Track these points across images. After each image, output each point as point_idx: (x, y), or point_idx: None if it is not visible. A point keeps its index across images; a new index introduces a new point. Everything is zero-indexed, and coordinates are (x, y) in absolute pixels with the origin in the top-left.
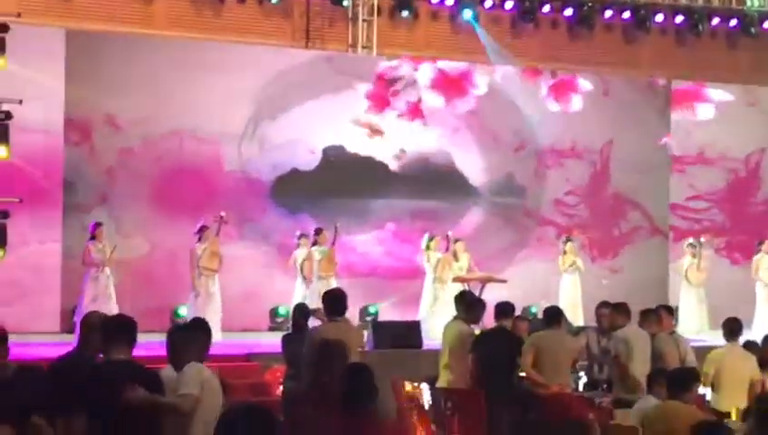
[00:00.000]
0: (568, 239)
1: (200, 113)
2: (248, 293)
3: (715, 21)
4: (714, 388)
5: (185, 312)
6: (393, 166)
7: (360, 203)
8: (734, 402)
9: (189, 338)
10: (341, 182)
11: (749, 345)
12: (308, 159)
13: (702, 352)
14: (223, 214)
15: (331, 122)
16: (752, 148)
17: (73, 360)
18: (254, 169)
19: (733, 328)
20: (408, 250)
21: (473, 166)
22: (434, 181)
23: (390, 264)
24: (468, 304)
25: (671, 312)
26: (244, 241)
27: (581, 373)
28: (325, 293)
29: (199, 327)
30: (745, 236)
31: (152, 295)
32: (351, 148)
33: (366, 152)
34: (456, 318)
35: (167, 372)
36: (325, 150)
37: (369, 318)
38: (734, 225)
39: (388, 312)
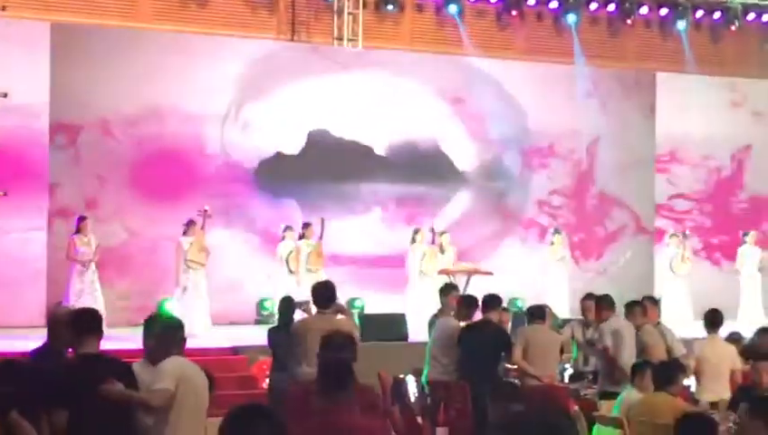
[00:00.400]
0: (556, 231)
1: (182, 95)
2: (234, 284)
3: (699, 13)
4: (696, 379)
5: (171, 306)
6: (379, 150)
7: (345, 188)
8: (716, 393)
9: (164, 332)
10: (327, 166)
11: (733, 337)
12: (292, 143)
13: (686, 343)
14: (207, 207)
15: (316, 105)
16: (737, 145)
17: (45, 354)
18: (236, 151)
19: (713, 320)
20: (395, 236)
21: (460, 151)
22: (420, 166)
23: (376, 250)
24: (462, 304)
25: (656, 303)
26: (228, 229)
27: (567, 365)
28: (314, 284)
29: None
30: (728, 236)
31: (134, 287)
32: (337, 132)
33: (351, 136)
34: (443, 312)
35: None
36: (310, 134)
37: (354, 311)
38: (717, 224)
39: (373, 300)
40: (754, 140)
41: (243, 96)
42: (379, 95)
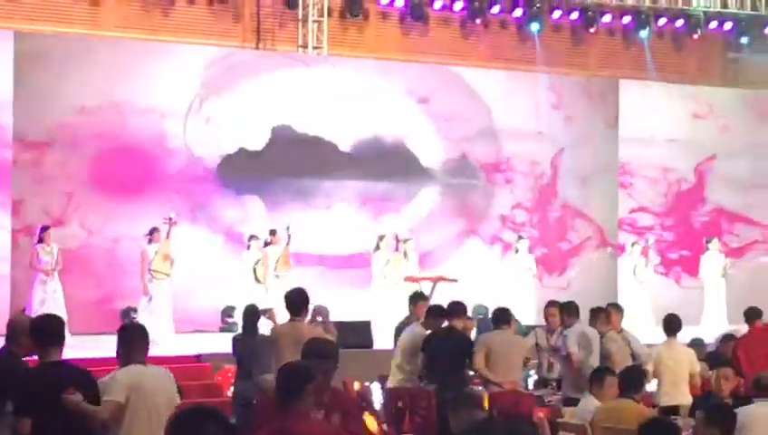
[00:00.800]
0: (520, 238)
1: (144, 91)
2: (197, 289)
3: (662, 21)
4: (659, 382)
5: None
6: (344, 147)
7: (309, 184)
8: (673, 397)
9: (124, 340)
10: (290, 163)
11: (695, 342)
12: (255, 139)
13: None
14: (172, 215)
15: (279, 101)
16: (700, 155)
17: (5, 362)
18: (199, 147)
19: (671, 324)
20: (359, 233)
21: (425, 148)
22: (386, 162)
23: (341, 250)
24: (430, 314)
25: (620, 310)
26: (192, 226)
27: (531, 372)
28: (287, 292)
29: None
30: (690, 251)
31: (95, 292)
32: (300, 127)
33: (315, 132)
34: (410, 319)
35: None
36: (273, 129)
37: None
38: (679, 239)
39: (339, 300)
40: (718, 149)
41: (205, 91)
42: (343, 91)
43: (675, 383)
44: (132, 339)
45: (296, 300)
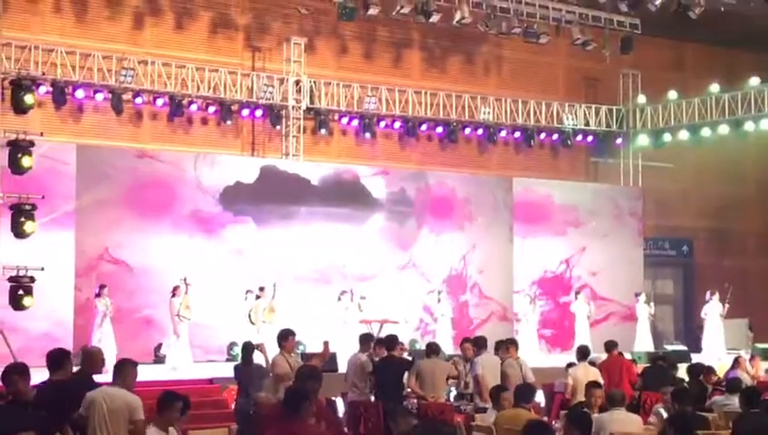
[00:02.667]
0: (440, 291)
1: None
2: (211, 327)
3: (543, 135)
4: (572, 394)
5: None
6: (314, 181)
7: (289, 208)
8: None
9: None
10: (275, 193)
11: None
12: (249, 174)
13: (536, 372)
14: (186, 277)
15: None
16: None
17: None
18: (206, 180)
19: (584, 352)
20: (324, 251)
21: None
22: (344, 193)
23: (311, 271)
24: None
25: (515, 343)
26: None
27: (452, 388)
28: (280, 331)
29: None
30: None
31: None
32: (282, 167)
33: (294, 170)
34: (361, 351)
35: None
36: (262, 168)
37: (298, 351)
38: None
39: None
40: (586, 241)
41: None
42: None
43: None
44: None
45: (283, 338)
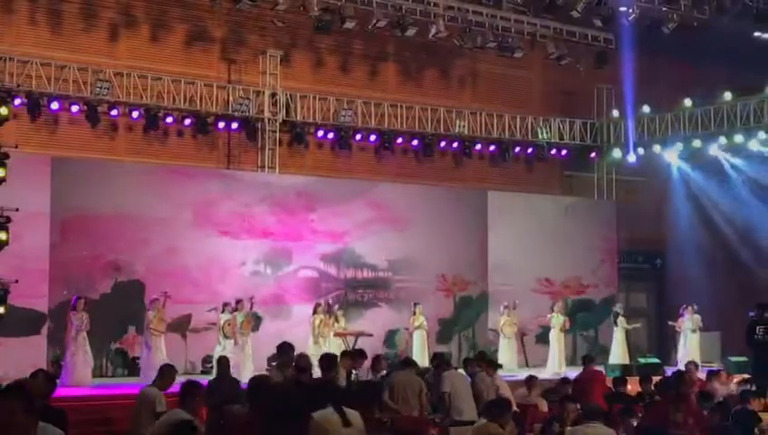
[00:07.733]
0: (416, 304)
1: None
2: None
3: (518, 149)
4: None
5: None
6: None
7: None
8: None
9: None
10: None
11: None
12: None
13: (511, 383)
14: (167, 290)
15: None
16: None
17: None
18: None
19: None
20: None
21: None
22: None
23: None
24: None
25: (485, 359)
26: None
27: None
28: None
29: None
30: None
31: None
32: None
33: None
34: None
35: None
36: None
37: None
38: None
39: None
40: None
41: None
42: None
43: None
44: None
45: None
